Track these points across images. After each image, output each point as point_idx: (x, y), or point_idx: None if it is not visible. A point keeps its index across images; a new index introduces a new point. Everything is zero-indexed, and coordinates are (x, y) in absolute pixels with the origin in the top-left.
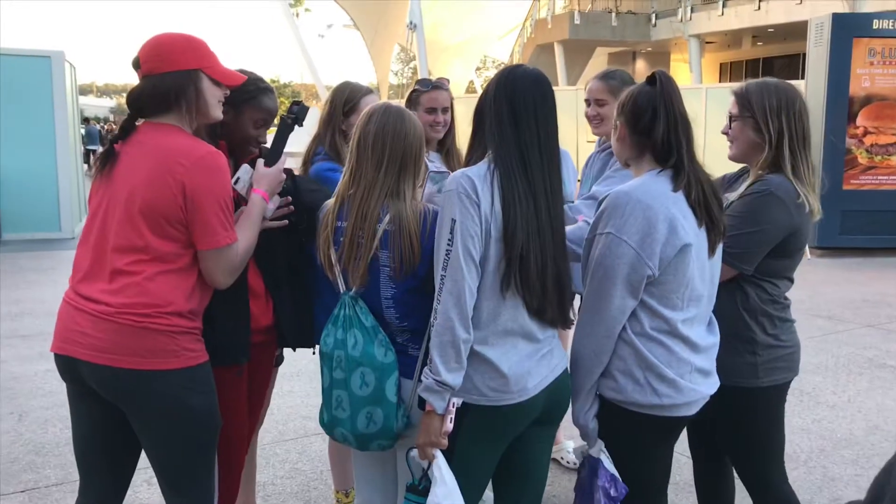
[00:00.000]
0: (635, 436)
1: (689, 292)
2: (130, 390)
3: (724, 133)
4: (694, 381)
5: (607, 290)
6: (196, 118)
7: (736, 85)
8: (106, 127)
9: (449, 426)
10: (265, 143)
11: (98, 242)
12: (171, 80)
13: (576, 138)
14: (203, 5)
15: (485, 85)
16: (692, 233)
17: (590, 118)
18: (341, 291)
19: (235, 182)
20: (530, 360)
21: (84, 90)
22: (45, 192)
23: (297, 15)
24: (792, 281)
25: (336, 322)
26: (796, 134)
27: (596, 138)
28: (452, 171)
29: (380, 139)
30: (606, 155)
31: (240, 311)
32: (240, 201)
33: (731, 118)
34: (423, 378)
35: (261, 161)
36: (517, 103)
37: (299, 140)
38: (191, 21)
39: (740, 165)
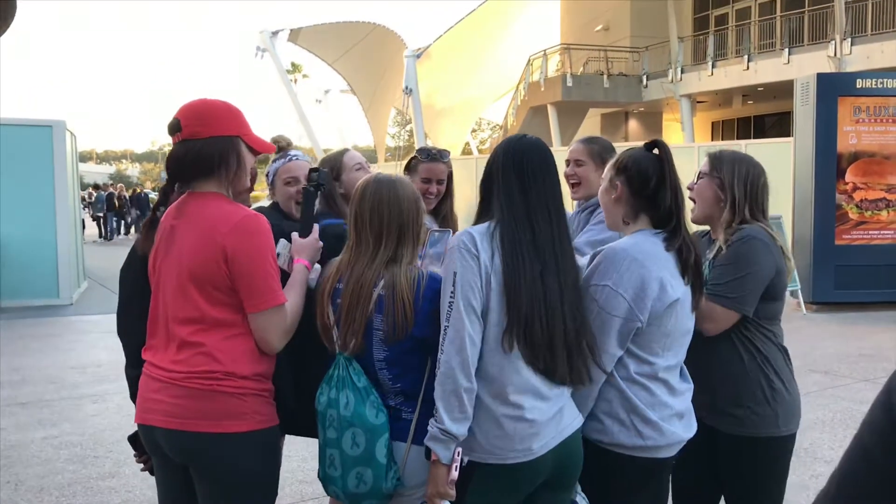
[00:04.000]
0: (619, 477)
1: (670, 342)
2: (200, 453)
3: (689, 189)
4: (673, 424)
5: (602, 340)
6: (233, 184)
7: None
8: (115, 191)
9: (454, 475)
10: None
11: (160, 314)
12: (214, 145)
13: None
14: (202, 72)
15: (482, 148)
16: (680, 289)
17: (567, 177)
18: (337, 352)
19: (276, 258)
20: (538, 419)
21: (84, 157)
22: (44, 259)
23: (295, 81)
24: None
25: (330, 381)
26: (756, 196)
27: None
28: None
29: (376, 213)
30: (587, 213)
31: None
32: (283, 276)
33: (699, 175)
34: (428, 427)
35: (295, 234)
36: (525, 175)
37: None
38: (190, 88)
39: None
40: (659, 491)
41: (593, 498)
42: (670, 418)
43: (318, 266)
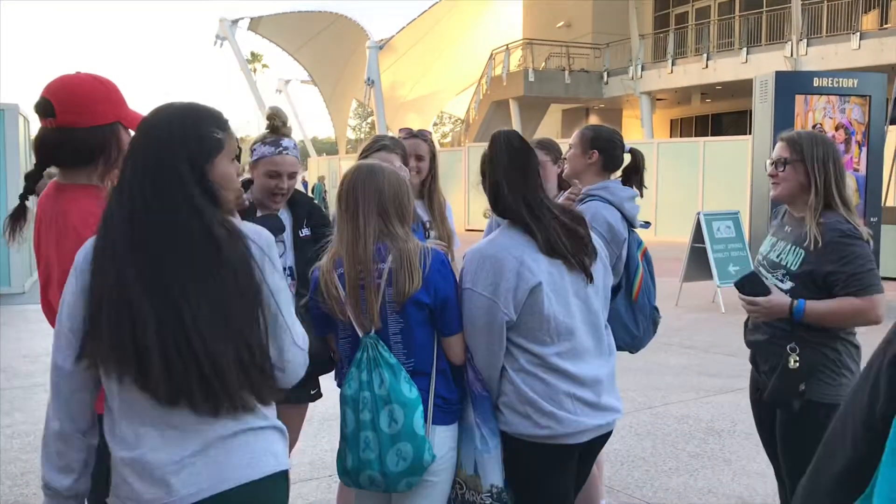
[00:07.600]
0: (527, 464)
1: (555, 328)
2: None
3: (771, 175)
4: (575, 412)
5: (473, 338)
6: (110, 172)
7: (784, 133)
8: None
9: None
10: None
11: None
12: (94, 136)
13: None
14: (160, 60)
15: (443, 142)
16: (543, 272)
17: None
18: (360, 336)
19: None
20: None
21: None
22: None
23: (255, 70)
24: None
25: (360, 365)
26: (839, 176)
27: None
28: (433, 216)
29: (352, 194)
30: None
31: None
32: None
33: (784, 161)
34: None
35: None
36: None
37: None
38: (147, 77)
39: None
40: (564, 478)
41: (512, 482)
42: (572, 405)
43: None
